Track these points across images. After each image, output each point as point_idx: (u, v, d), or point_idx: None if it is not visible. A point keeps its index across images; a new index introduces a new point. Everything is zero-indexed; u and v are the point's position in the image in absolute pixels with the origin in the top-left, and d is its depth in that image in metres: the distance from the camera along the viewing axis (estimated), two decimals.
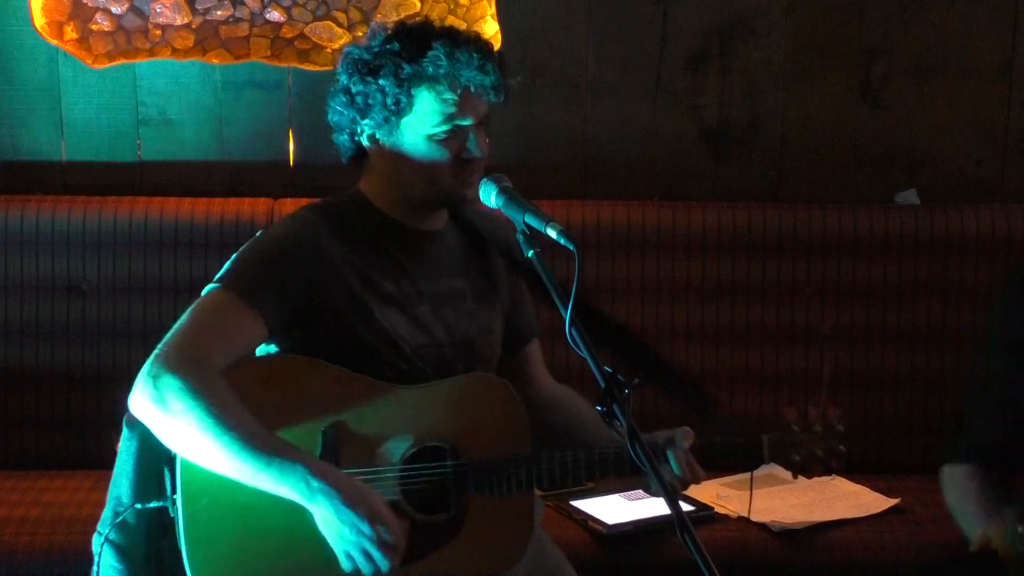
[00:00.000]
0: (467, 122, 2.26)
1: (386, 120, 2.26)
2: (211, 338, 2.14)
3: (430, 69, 2.22)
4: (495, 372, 2.39)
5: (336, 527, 2.09)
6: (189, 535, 2.12)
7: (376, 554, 2.10)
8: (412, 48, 2.24)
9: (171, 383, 2.08)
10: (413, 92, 2.24)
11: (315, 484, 2.07)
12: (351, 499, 2.08)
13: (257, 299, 2.18)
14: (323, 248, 2.24)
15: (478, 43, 2.28)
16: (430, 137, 2.25)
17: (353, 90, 2.28)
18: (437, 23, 2.34)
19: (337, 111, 2.32)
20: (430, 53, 2.23)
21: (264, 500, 2.11)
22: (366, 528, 2.08)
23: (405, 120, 2.26)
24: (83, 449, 3.21)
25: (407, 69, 2.23)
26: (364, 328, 2.25)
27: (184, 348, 2.12)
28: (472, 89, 2.25)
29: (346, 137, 2.33)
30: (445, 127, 2.25)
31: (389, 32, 2.29)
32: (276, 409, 2.16)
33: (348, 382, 2.21)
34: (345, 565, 2.12)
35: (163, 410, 2.08)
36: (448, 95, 2.24)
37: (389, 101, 2.24)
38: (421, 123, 2.25)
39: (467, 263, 2.40)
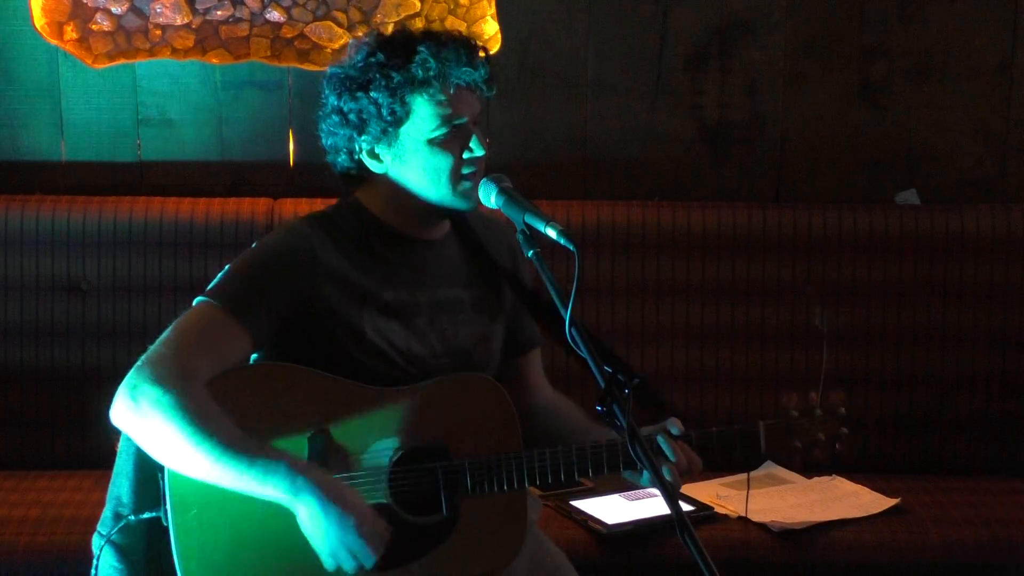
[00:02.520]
0: (463, 120, 2.25)
1: (384, 132, 2.25)
2: (193, 351, 2.13)
3: (419, 73, 2.21)
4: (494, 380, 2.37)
5: (320, 525, 2.08)
6: (180, 546, 2.11)
7: (360, 551, 2.10)
8: (397, 56, 2.23)
9: (148, 393, 2.07)
10: (407, 100, 2.23)
11: (299, 482, 2.07)
12: (334, 497, 2.08)
13: (244, 314, 2.17)
14: (317, 260, 2.23)
15: (462, 40, 2.27)
16: (430, 141, 2.25)
17: (345, 108, 2.26)
18: (417, 28, 2.34)
19: (331, 132, 2.30)
20: (416, 57, 2.22)
21: (254, 508, 2.10)
22: (349, 525, 2.08)
23: (403, 129, 2.25)
24: (83, 449, 3.21)
25: (397, 77, 2.22)
26: (355, 344, 2.24)
27: (164, 360, 2.11)
28: (463, 86, 2.25)
29: (344, 156, 2.30)
30: (443, 129, 2.24)
31: (371, 46, 2.27)
32: (261, 416, 2.15)
33: (334, 387, 2.20)
34: (328, 564, 2.11)
35: (140, 419, 2.07)
36: (441, 96, 2.23)
37: (384, 113, 2.23)
38: (419, 129, 2.24)
39: (467, 272, 2.39)
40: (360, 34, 3.36)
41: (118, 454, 2.23)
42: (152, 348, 2.14)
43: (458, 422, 2.25)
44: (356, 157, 2.30)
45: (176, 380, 2.08)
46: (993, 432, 3.34)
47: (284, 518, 2.10)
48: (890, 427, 3.34)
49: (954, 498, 3.08)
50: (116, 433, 2.21)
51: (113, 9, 3.38)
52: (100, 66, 3.40)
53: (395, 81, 2.22)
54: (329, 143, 2.32)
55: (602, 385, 1.97)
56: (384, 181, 2.30)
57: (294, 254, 2.23)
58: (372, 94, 2.23)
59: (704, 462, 2.27)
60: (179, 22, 3.40)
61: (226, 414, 2.09)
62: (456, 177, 2.26)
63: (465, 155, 2.26)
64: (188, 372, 2.10)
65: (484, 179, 2.24)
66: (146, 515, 2.17)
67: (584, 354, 1.99)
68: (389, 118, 2.23)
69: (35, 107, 3.44)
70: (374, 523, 2.11)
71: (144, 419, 2.07)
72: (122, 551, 2.20)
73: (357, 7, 3.42)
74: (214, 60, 3.42)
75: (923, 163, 3.56)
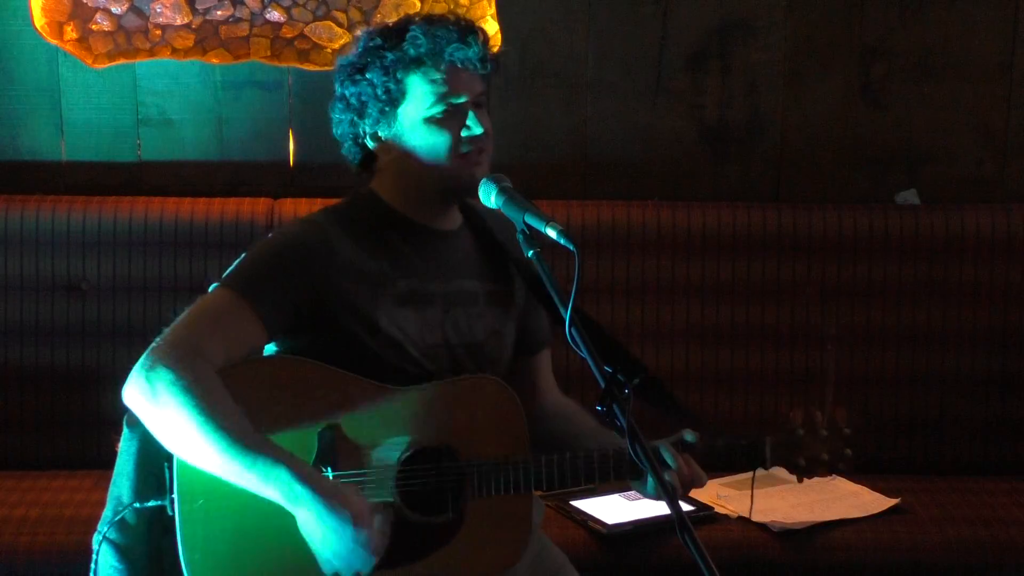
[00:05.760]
0: (461, 99, 2.26)
1: (382, 113, 2.27)
2: (208, 336, 2.13)
3: (411, 51, 2.24)
4: (504, 378, 2.36)
5: (317, 531, 2.08)
6: (185, 535, 2.11)
7: (356, 559, 2.10)
8: (392, 38, 2.26)
9: (163, 376, 2.07)
10: (400, 78, 2.25)
11: (297, 488, 2.06)
12: (333, 502, 2.07)
13: (259, 302, 2.17)
14: (332, 252, 2.24)
15: (456, 20, 2.29)
16: (427, 120, 2.25)
17: (347, 94, 2.30)
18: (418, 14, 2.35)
19: (337, 120, 2.33)
20: (408, 36, 2.24)
21: (260, 501, 2.10)
22: (347, 532, 2.07)
23: (401, 109, 2.26)
24: (83, 449, 3.21)
25: (389, 57, 2.24)
26: (369, 336, 2.24)
27: (180, 343, 2.11)
28: (458, 64, 2.25)
29: (350, 143, 2.33)
30: (440, 107, 2.25)
31: (371, 33, 2.30)
32: (273, 410, 2.15)
33: (346, 383, 2.20)
34: (325, 569, 2.11)
35: (153, 402, 2.07)
36: (435, 74, 2.24)
37: (380, 92, 2.25)
38: (416, 108, 2.26)
39: (480, 265, 2.39)
40: (360, 34, 3.37)
41: (118, 454, 2.23)
42: (166, 330, 2.14)
43: (467, 424, 2.25)
44: (361, 142, 2.31)
45: (189, 363, 2.08)
46: (993, 432, 3.34)
47: (289, 513, 2.10)
48: (890, 427, 3.34)
49: (954, 498, 3.08)
50: (117, 432, 2.22)
51: (113, 9, 3.38)
52: (100, 66, 3.40)
53: (388, 60, 2.25)
54: (338, 133, 2.35)
55: (602, 385, 1.97)
56: (391, 165, 2.32)
57: (309, 245, 2.24)
58: (368, 76, 2.26)
59: (706, 469, 2.28)
60: (179, 22, 3.40)
61: (238, 405, 2.09)
62: (455, 155, 2.26)
63: (464, 133, 2.26)
64: (201, 356, 2.10)
65: (484, 179, 2.23)
66: (150, 503, 2.17)
67: (584, 355, 1.99)
68: (384, 97, 2.25)
69: (35, 107, 3.44)
70: (371, 528, 2.11)
71: (158, 404, 2.07)
72: (122, 551, 2.19)
73: (357, 7, 3.43)
74: (214, 60, 3.42)
75: (923, 163, 3.56)
